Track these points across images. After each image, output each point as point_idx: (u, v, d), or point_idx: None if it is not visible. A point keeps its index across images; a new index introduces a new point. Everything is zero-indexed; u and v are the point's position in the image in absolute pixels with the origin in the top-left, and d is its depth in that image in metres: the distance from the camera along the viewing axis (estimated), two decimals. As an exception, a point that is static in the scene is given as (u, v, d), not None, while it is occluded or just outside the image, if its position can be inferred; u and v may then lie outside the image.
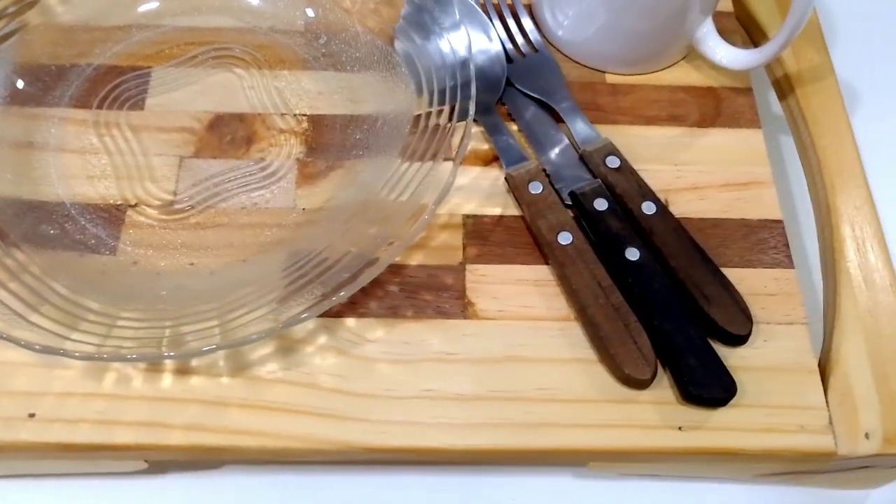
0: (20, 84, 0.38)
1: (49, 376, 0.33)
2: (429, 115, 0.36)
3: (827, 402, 0.33)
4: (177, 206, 0.36)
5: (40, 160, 0.37)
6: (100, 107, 0.38)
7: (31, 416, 0.32)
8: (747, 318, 0.33)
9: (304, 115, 0.38)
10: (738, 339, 0.34)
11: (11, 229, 0.34)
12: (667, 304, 0.33)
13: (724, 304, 0.34)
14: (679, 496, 0.37)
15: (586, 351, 0.34)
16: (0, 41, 0.38)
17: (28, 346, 0.29)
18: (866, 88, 0.47)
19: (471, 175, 0.38)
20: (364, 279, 0.30)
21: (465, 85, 0.35)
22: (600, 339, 0.33)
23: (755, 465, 0.34)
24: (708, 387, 0.32)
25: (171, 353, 0.30)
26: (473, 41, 0.39)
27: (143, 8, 0.40)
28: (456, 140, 0.34)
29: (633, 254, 0.34)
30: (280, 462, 0.34)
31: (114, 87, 0.39)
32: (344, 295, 0.30)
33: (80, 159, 0.37)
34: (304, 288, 0.31)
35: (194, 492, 0.36)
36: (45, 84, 0.38)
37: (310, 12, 0.41)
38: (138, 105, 0.39)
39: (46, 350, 0.29)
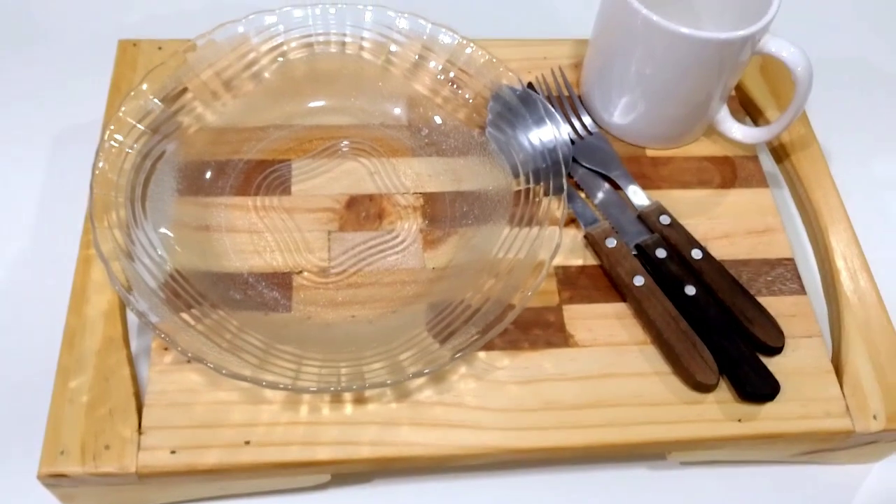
0: (189, 179, 0.47)
1: (256, 410, 0.41)
2: (527, 190, 0.46)
3: (843, 393, 0.44)
4: (333, 271, 0.46)
5: (217, 239, 0.46)
6: (256, 193, 0.47)
7: (247, 443, 0.40)
8: (781, 333, 0.44)
9: (420, 193, 0.49)
10: (775, 350, 0.44)
11: (209, 295, 0.42)
12: (720, 327, 0.44)
13: (762, 323, 0.45)
14: (732, 479, 0.47)
15: (662, 366, 0.44)
16: (165, 143, 0.47)
17: (255, 381, 0.38)
18: (840, 149, 0.59)
19: (553, 234, 0.48)
20: (508, 320, 0.40)
21: (555, 163, 0.45)
22: (675, 355, 0.43)
23: (793, 446, 0.45)
24: (760, 386, 0.43)
25: (366, 385, 0.39)
26: (546, 129, 0.49)
27: (275, 111, 0.50)
28: (550, 207, 0.45)
29: (690, 290, 0.45)
30: (440, 469, 0.43)
31: (264, 177, 0.48)
32: (494, 332, 0.40)
33: (249, 237, 0.46)
34: (458, 330, 0.40)
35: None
36: (209, 177, 0.47)
37: (409, 111, 0.51)
38: (286, 191, 0.48)
39: (270, 385, 0.38)
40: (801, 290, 0.48)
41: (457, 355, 0.39)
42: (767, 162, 0.55)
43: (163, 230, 0.44)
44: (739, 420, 0.43)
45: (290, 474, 0.41)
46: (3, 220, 0.52)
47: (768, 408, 0.44)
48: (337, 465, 0.41)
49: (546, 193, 0.45)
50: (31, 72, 0.60)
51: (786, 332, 0.45)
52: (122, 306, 0.44)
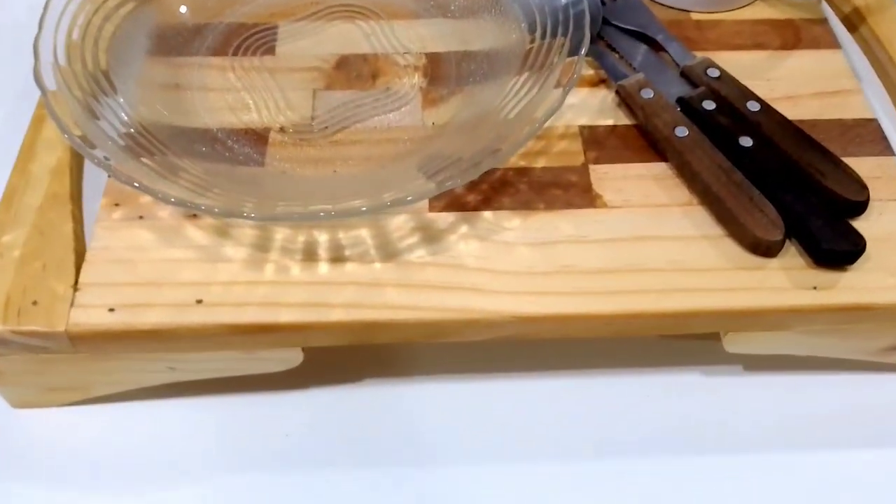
0: (161, 39, 0.42)
1: (214, 269, 0.35)
2: (541, 47, 0.40)
3: (947, 261, 0.35)
4: (316, 128, 0.39)
5: (187, 98, 0.40)
6: (235, 54, 0.42)
7: (199, 301, 0.34)
8: (863, 186, 0.36)
9: (423, 53, 0.42)
10: (856, 208, 0.36)
11: (169, 146, 0.37)
12: (785, 181, 0.36)
13: (838, 176, 0.36)
14: (802, 391, 0.38)
15: (713, 229, 0.36)
16: (139, 6, 0.42)
17: (208, 209, 0.32)
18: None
19: (579, 96, 0.41)
20: (495, 161, 0.33)
21: (577, 16, 0.38)
22: (727, 211, 0.35)
23: (883, 331, 0.35)
24: (838, 241, 0.34)
25: (333, 212, 0.32)
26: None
27: (265, -24, 0.45)
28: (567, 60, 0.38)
29: (746, 141, 0.37)
30: (434, 348, 0.35)
31: (245, 38, 0.42)
32: (482, 166, 0.33)
33: (223, 96, 0.40)
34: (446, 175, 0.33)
35: (338, 404, 0.38)
36: (183, 38, 0.42)
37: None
38: (270, 52, 0.42)
39: (227, 212, 0.32)
40: (889, 152, 0.38)
41: (446, 183, 0.32)
42: (839, 30, 0.47)
43: (127, 87, 0.39)
44: (814, 288, 0.34)
45: (249, 345, 0.34)
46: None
47: (850, 275, 0.34)
48: (304, 333, 0.34)
49: (564, 47, 0.38)
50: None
51: (871, 196, 0.37)
52: (73, 163, 0.38)
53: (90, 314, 0.33)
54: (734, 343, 0.36)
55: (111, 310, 0.33)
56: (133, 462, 0.36)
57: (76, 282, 0.34)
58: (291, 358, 0.35)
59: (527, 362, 0.39)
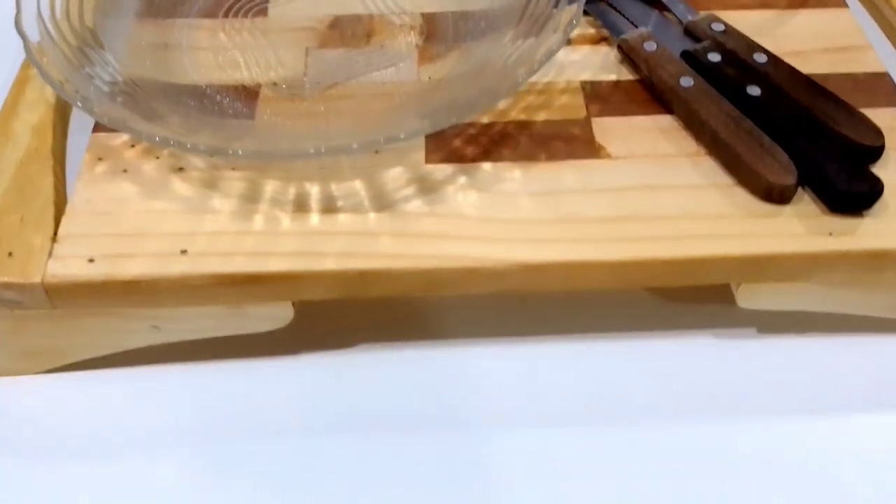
0: (152, 2, 0.41)
1: (199, 220, 0.33)
2: (538, 2, 0.38)
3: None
4: (308, 83, 0.38)
5: (175, 57, 0.39)
6: (226, 16, 0.41)
7: (184, 252, 0.32)
8: (878, 132, 0.34)
9: (419, 13, 0.41)
10: (872, 154, 0.34)
11: (157, 99, 0.35)
12: (796, 128, 0.34)
13: (853, 123, 0.34)
14: (823, 352, 0.36)
15: (723, 178, 0.34)
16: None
17: (194, 147, 0.30)
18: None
19: (581, 53, 0.40)
20: (493, 99, 0.31)
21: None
22: (737, 158, 0.34)
23: (906, 282, 0.34)
24: (855, 183, 0.32)
25: (324, 149, 0.30)
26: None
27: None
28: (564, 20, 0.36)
29: (754, 90, 0.35)
30: (430, 292, 0.33)
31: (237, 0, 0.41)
32: (479, 105, 0.31)
33: (213, 55, 0.39)
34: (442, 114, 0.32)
35: (330, 371, 0.36)
36: (172, 1, 0.41)
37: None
38: (262, 14, 0.41)
39: (213, 150, 0.30)
40: (902, 104, 0.38)
41: (441, 122, 0.30)
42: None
43: (115, 45, 0.37)
44: (830, 234, 0.32)
45: (237, 299, 0.32)
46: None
47: (868, 221, 0.33)
48: (295, 284, 0.32)
49: (556, 4, 0.37)
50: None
51: (887, 145, 0.35)
52: (56, 122, 0.36)
53: (68, 265, 0.31)
54: (748, 297, 0.34)
55: (91, 260, 0.32)
56: (114, 431, 0.34)
57: (55, 234, 0.32)
58: (281, 315, 0.33)
59: (534, 327, 0.37)
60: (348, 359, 0.36)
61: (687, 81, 0.36)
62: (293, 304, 0.33)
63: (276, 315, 0.33)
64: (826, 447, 0.33)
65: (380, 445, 0.33)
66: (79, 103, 0.32)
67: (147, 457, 0.33)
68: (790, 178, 0.33)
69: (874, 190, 0.32)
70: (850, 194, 0.32)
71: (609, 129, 0.36)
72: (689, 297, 0.38)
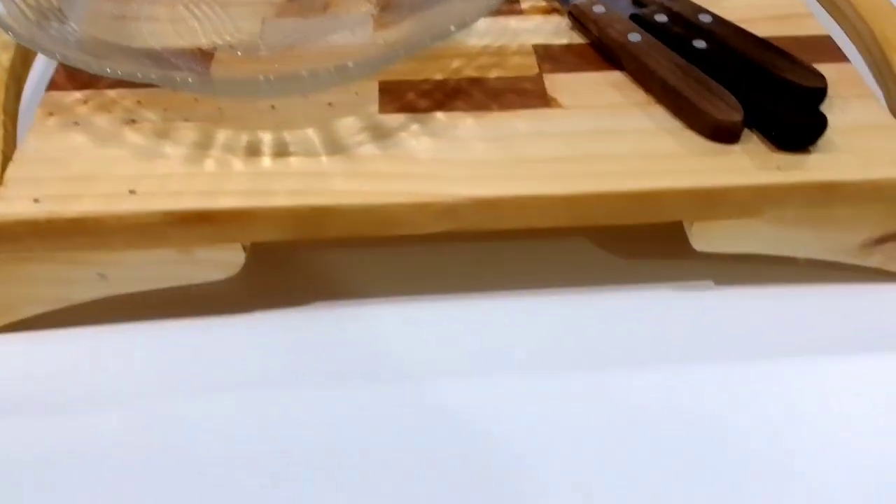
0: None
1: (150, 164, 0.33)
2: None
3: (914, 145, 0.34)
4: (263, 47, 0.38)
5: (133, 27, 0.39)
6: (184, -8, 0.41)
7: (132, 192, 0.32)
8: (820, 76, 0.35)
9: (375, -15, 0.42)
10: (815, 96, 0.35)
11: (113, 57, 0.35)
12: (742, 76, 0.35)
13: (795, 69, 0.35)
14: (780, 302, 0.36)
15: (672, 122, 0.35)
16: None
17: (144, 76, 0.30)
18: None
19: (534, 22, 0.40)
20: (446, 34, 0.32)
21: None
22: (685, 101, 0.34)
23: (860, 220, 0.34)
24: (801, 116, 0.33)
25: (273, 78, 0.30)
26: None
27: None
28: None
29: (700, 44, 0.36)
30: (384, 232, 0.33)
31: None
32: (433, 37, 0.32)
33: (171, 26, 0.39)
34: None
35: (283, 327, 0.35)
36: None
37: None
38: (219, -9, 0.42)
39: (164, 79, 0.30)
40: (845, 60, 0.38)
41: (393, 52, 0.31)
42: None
43: (76, 16, 0.38)
44: (778, 167, 0.33)
45: (186, 240, 0.31)
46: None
47: (815, 157, 0.33)
48: (245, 223, 0.31)
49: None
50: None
51: (832, 93, 0.36)
52: (10, 83, 0.36)
53: (13, 205, 0.31)
54: (702, 237, 0.34)
55: (36, 200, 0.31)
56: (65, 390, 0.33)
57: (1, 179, 0.32)
58: (232, 259, 0.32)
59: (492, 283, 0.37)
60: (303, 315, 0.36)
61: (635, 37, 0.37)
62: (244, 249, 0.33)
63: (226, 260, 0.33)
64: (784, 391, 0.33)
65: (334, 397, 0.32)
66: (38, 42, 0.32)
67: (97, 414, 0.32)
68: (737, 115, 0.33)
69: (819, 122, 0.33)
70: (796, 126, 0.33)
71: (561, 84, 0.37)
72: (647, 253, 0.38)
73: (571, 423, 0.32)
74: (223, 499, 0.30)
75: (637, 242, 0.39)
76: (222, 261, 0.33)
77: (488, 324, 0.35)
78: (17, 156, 0.33)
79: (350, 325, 0.35)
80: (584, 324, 0.35)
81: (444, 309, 0.36)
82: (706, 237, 0.34)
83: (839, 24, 0.44)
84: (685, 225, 0.34)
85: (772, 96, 0.34)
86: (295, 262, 0.38)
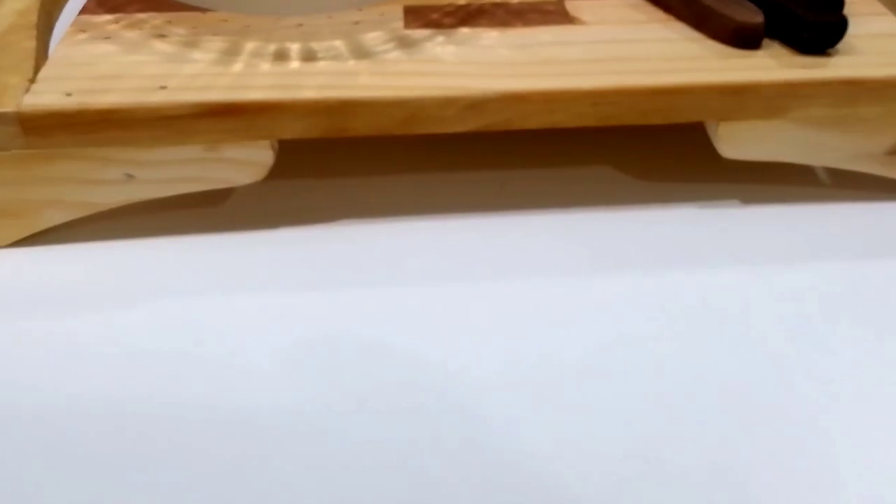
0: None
1: (178, 66, 0.33)
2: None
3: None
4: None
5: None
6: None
7: (162, 87, 0.32)
8: None
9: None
10: (834, 6, 0.35)
11: None
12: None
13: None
14: (803, 219, 0.36)
15: (695, 34, 0.35)
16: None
17: None
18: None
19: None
20: None
21: None
22: (706, 11, 0.34)
23: (889, 121, 0.34)
24: (823, 15, 0.33)
25: None
26: None
27: None
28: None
29: (718, -34, 0.37)
30: (411, 129, 0.32)
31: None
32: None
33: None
34: None
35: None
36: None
37: None
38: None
39: None
40: (859, -11, 0.39)
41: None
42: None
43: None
44: (804, 67, 0.33)
45: (214, 134, 0.31)
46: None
47: (839, 58, 0.33)
48: (273, 117, 0.31)
49: None
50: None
51: (847, 12, 0.36)
52: (41, 13, 0.37)
53: (44, 98, 0.31)
54: (728, 141, 0.34)
55: (68, 94, 0.31)
56: (88, 299, 0.32)
57: (33, 78, 0.32)
58: (260, 159, 0.33)
59: (518, 204, 0.37)
60: (324, 232, 0.35)
61: (653, -38, 0.38)
62: (272, 149, 0.33)
63: (254, 159, 0.33)
64: (809, 297, 0.33)
65: (353, 301, 0.32)
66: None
67: (126, 315, 0.31)
68: (758, 17, 0.33)
69: (841, 21, 0.33)
70: (819, 24, 0.33)
71: (582, 5, 0.38)
72: (674, 177, 0.38)
73: (602, 325, 0.31)
74: (244, 390, 0.29)
75: (661, 168, 0.39)
76: (250, 160, 0.33)
77: (522, 239, 0.35)
78: (49, 61, 0.33)
79: (373, 241, 0.35)
80: (615, 236, 0.35)
81: (471, 229, 0.35)
82: (732, 141, 0.34)
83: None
84: (710, 131, 0.34)
85: (792, 4, 0.34)
86: (318, 187, 0.38)
